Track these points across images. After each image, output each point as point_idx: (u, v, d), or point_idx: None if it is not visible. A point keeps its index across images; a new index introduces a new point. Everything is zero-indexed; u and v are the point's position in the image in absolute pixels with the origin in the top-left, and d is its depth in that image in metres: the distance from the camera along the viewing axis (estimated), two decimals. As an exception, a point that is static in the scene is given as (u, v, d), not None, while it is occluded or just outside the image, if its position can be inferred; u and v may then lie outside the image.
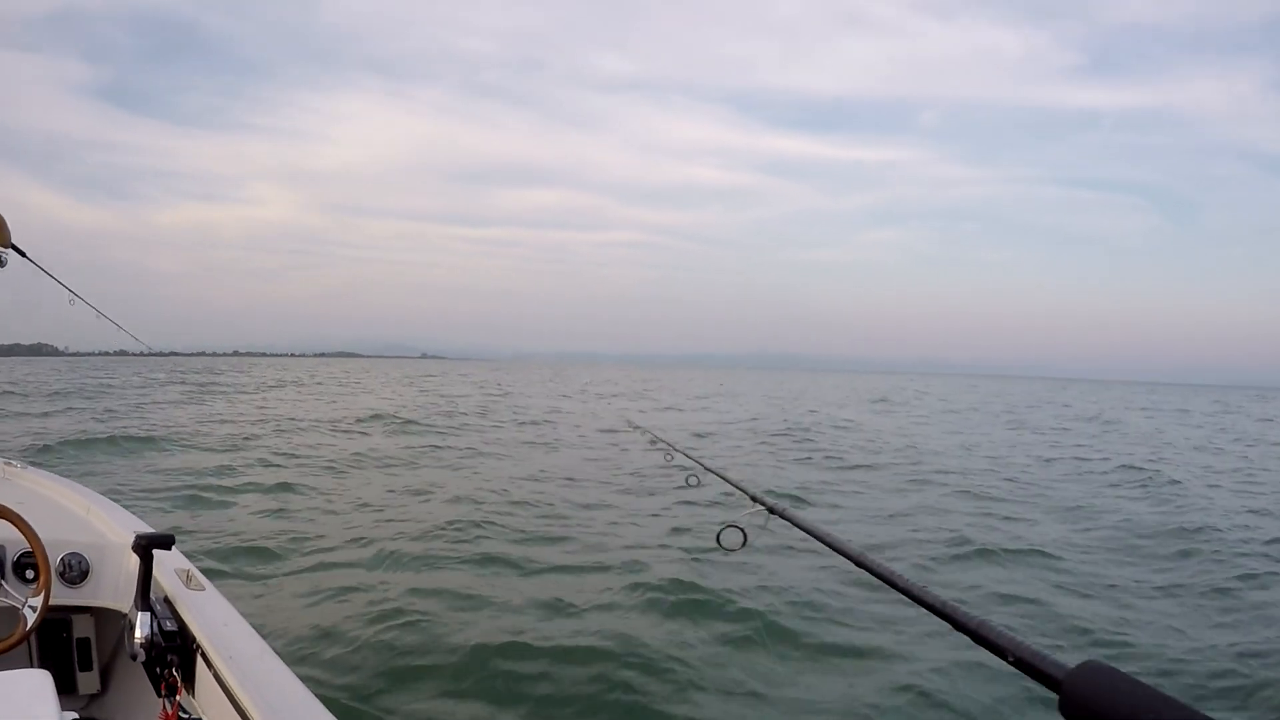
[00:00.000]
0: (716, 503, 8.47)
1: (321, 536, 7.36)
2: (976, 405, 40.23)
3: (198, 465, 11.49)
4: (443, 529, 7.62)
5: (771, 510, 1.94)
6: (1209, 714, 0.70)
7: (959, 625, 1.05)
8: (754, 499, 2.05)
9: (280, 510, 8.52)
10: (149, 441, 13.76)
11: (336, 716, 1.67)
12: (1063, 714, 0.79)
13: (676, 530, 7.96)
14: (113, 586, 2.49)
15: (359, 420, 19.24)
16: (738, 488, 2.29)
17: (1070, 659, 0.84)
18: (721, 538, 1.89)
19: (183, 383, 37.44)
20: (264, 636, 2.07)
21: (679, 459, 3.53)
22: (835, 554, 1.51)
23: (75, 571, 2.44)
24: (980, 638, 0.99)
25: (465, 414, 22.80)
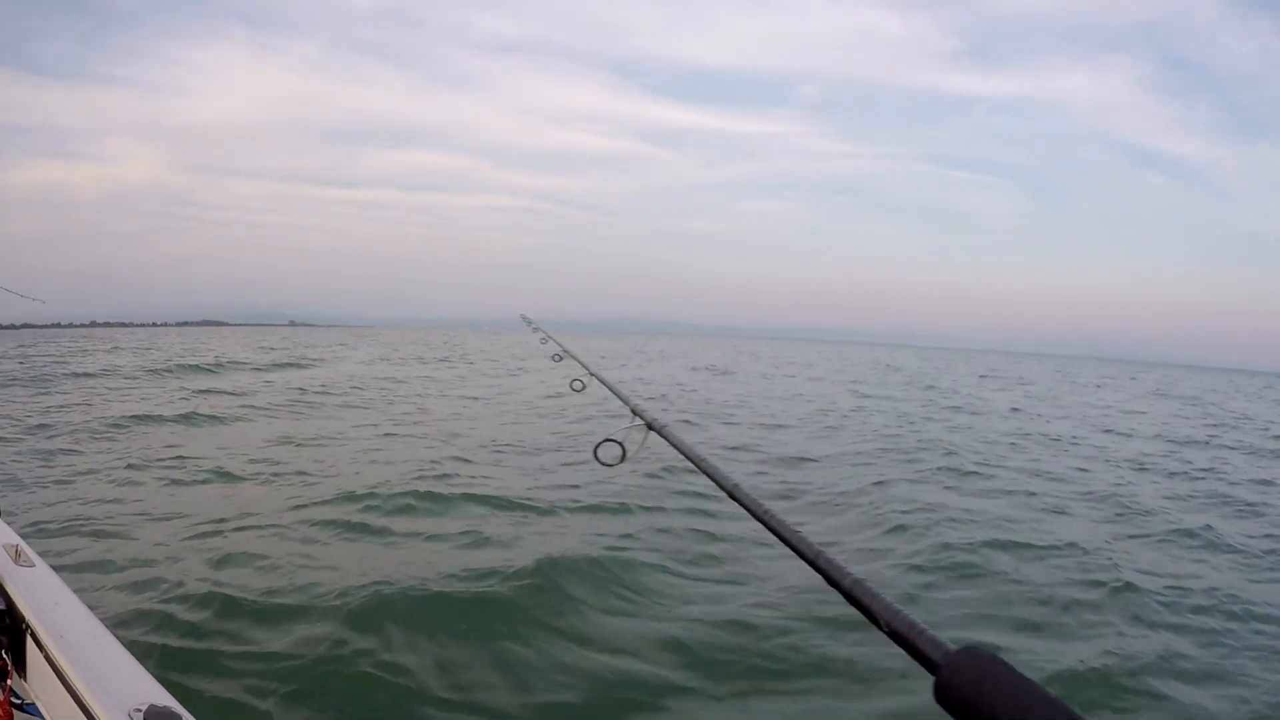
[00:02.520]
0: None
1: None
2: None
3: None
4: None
5: (650, 426, 1.85)
6: (1079, 711, 0.65)
7: (832, 582, 0.92)
8: (634, 412, 1.93)
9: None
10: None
11: (172, 693, 1.66)
12: (936, 699, 0.71)
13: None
14: None
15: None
16: (620, 397, 2.17)
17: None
18: (599, 452, 1.80)
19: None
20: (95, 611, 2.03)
21: (571, 364, 3.34)
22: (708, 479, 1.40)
23: None
24: (854, 599, 0.87)
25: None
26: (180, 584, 5.41)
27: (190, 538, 6.64)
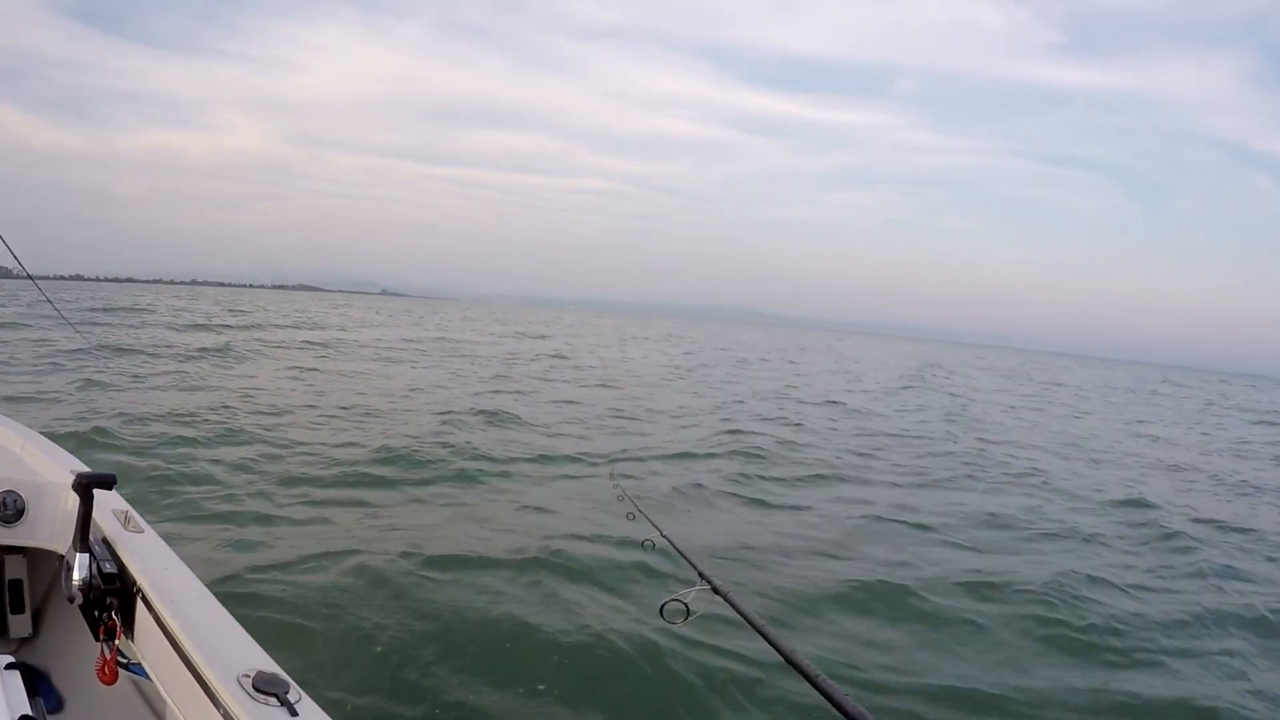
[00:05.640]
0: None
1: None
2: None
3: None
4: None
5: (715, 591, 2.05)
6: None
7: None
8: (701, 576, 2.12)
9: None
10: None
11: (277, 662, 1.63)
12: None
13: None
14: (49, 526, 2.39)
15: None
16: (689, 561, 2.36)
17: None
18: (664, 610, 1.97)
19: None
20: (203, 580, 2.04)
21: (641, 519, 3.36)
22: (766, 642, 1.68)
23: (10, 510, 2.33)
24: None
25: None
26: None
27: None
